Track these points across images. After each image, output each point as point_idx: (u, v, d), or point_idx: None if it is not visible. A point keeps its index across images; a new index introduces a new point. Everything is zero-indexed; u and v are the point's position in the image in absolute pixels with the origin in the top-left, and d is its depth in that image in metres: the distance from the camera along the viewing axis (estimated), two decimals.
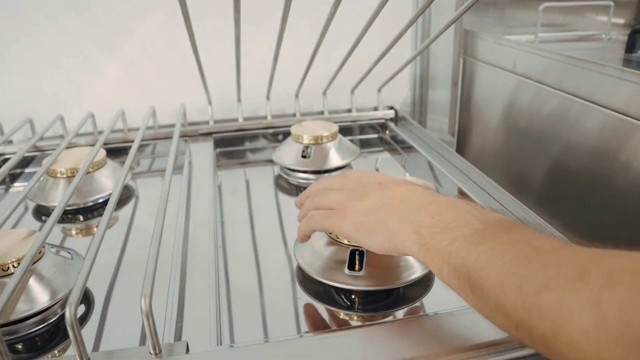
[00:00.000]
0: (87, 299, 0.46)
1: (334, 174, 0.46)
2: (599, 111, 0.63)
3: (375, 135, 0.89)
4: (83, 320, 0.43)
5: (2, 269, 0.40)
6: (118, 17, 0.81)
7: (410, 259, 0.44)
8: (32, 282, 0.41)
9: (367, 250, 0.43)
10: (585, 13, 0.93)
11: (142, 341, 0.40)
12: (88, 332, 0.41)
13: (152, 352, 0.33)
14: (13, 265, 0.41)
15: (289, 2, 0.51)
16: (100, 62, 0.84)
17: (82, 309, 0.44)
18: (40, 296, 0.40)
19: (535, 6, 0.85)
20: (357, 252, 0.43)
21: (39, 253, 0.43)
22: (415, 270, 0.43)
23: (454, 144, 0.97)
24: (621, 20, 0.94)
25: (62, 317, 0.42)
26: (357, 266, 0.43)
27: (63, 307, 0.42)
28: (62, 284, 0.42)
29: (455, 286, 0.31)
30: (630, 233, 0.60)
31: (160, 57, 0.85)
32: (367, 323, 0.42)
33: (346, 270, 0.43)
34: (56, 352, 0.40)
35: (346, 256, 0.43)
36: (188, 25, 0.52)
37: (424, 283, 0.45)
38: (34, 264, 0.42)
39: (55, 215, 0.43)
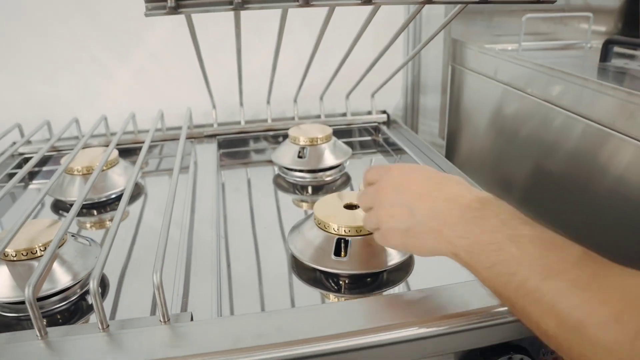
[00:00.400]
0: (102, 282, 0.51)
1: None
2: (577, 120, 0.67)
3: (368, 138, 0.94)
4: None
5: (31, 252, 0.46)
6: (129, 25, 0.87)
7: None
8: (56, 265, 0.46)
9: (351, 239, 0.48)
10: (568, 22, 0.96)
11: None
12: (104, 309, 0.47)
13: (161, 319, 0.38)
14: (40, 249, 0.46)
15: (285, 14, 0.55)
16: (112, 68, 0.89)
17: None
18: (62, 277, 0.46)
19: (521, 15, 0.89)
20: (342, 241, 0.49)
21: (62, 239, 0.48)
22: (394, 257, 0.48)
23: (444, 147, 1.02)
24: (603, 28, 0.98)
25: (82, 296, 0.48)
26: (342, 253, 0.48)
27: (83, 287, 0.48)
28: (81, 266, 0.47)
29: (498, 297, 0.33)
30: (606, 233, 0.64)
31: (168, 63, 0.90)
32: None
33: (332, 257, 0.48)
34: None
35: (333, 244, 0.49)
36: (193, 35, 0.56)
37: (404, 268, 0.50)
38: (58, 248, 0.47)
39: (76, 207, 0.48)
